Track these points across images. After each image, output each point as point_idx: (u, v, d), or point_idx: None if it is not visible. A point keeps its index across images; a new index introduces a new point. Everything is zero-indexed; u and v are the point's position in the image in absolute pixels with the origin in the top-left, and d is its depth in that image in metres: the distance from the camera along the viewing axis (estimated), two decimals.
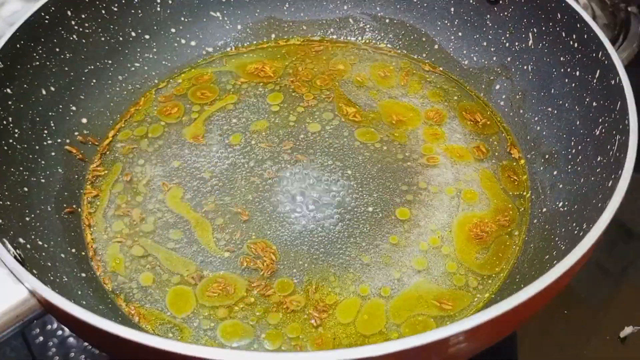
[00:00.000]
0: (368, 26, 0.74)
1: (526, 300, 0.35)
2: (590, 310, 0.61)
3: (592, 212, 0.46)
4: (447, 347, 0.36)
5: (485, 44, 0.67)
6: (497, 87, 0.66)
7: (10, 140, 0.53)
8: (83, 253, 0.53)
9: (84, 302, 0.47)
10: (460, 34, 0.69)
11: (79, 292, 0.49)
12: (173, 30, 0.70)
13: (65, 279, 0.48)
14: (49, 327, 0.60)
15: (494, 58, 0.66)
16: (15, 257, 0.40)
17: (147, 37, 0.68)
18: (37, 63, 0.57)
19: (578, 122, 0.55)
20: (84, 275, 0.51)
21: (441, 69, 0.70)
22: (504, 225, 0.55)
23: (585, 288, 0.62)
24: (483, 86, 0.67)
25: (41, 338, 0.59)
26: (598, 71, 0.53)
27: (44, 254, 0.49)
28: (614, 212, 0.41)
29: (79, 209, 0.57)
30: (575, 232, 0.48)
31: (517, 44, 0.63)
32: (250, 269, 0.53)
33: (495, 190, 0.58)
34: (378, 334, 0.49)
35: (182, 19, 0.71)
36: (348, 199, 0.57)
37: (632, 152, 0.44)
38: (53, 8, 0.58)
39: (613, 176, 0.45)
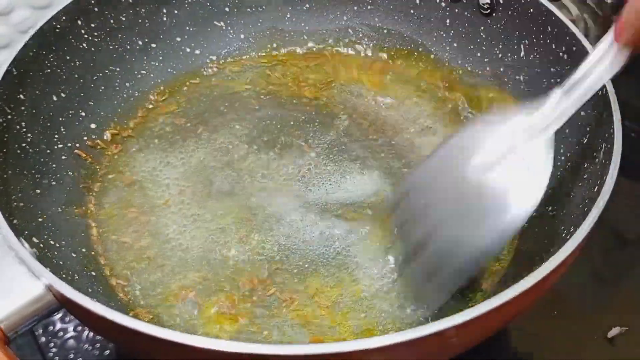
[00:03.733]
0: (367, 36, 0.76)
1: (510, 300, 0.38)
2: (581, 313, 0.63)
3: (579, 217, 0.48)
4: (437, 342, 0.38)
5: (479, 54, 0.69)
6: (490, 95, 0.68)
7: (24, 145, 0.55)
8: (92, 252, 0.55)
9: (95, 300, 0.49)
10: (455, 44, 0.71)
11: (90, 290, 0.50)
12: (178, 39, 0.72)
13: (77, 277, 0.50)
14: (50, 328, 0.61)
15: (488, 68, 0.69)
16: (31, 254, 0.42)
17: (153, 45, 0.71)
18: (49, 70, 0.59)
19: (567, 131, 0.57)
20: (93, 273, 0.53)
21: (437, 78, 0.72)
22: None
23: (578, 292, 0.64)
24: (476, 94, 0.69)
25: (43, 339, 0.60)
26: None
27: (56, 253, 0.50)
28: (597, 216, 0.43)
29: (88, 211, 0.59)
30: (563, 235, 0.50)
31: (509, 54, 0.66)
32: (254, 266, 0.55)
33: None
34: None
35: (187, 28, 0.73)
36: (346, 197, 0.60)
37: (616, 159, 0.46)
38: (64, 17, 0.61)
39: (598, 182, 0.47)
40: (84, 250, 0.55)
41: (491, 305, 0.37)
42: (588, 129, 0.54)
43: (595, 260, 0.67)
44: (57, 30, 0.60)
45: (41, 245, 0.49)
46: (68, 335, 0.61)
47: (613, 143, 0.48)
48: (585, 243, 0.43)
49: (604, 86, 0.52)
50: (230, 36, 0.75)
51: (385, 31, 0.75)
